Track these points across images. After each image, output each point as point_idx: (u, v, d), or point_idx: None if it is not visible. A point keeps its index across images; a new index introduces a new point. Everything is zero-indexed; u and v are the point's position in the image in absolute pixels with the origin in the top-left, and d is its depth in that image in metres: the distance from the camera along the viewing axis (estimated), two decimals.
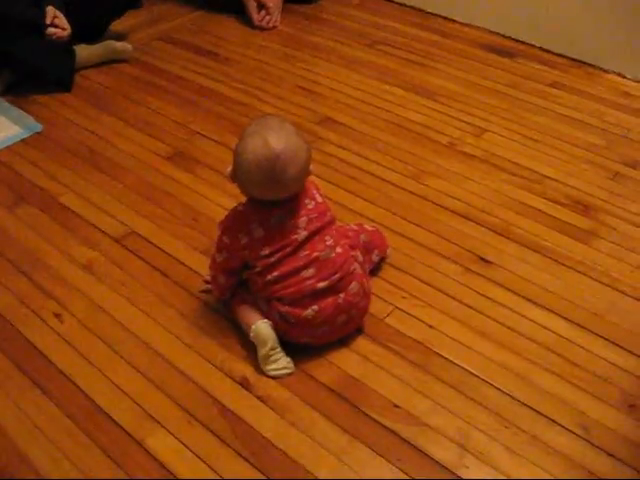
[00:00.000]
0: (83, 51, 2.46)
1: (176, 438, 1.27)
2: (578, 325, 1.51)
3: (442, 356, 1.43)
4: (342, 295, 1.37)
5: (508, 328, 1.49)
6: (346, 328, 1.42)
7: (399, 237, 1.73)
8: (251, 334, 1.38)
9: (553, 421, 1.30)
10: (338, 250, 1.38)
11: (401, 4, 3.07)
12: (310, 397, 1.34)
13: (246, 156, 1.29)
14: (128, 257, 1.67)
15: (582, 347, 1.46)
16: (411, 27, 2.87)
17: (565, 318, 1.52)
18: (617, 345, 1.46)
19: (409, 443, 1.26)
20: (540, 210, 1.84)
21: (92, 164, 2.00)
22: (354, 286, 1.39)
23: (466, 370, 1.40)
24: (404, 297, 1.56)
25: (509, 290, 1.59)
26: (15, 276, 1.62)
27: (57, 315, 1.51)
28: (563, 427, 1.29)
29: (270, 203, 1.35)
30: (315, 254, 1.34)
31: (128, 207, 1.83)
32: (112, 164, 2.00)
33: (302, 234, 1.34)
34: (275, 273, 1.34)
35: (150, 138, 2.12)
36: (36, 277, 1.61)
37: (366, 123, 2.21)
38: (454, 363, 1.41)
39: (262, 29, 2.84)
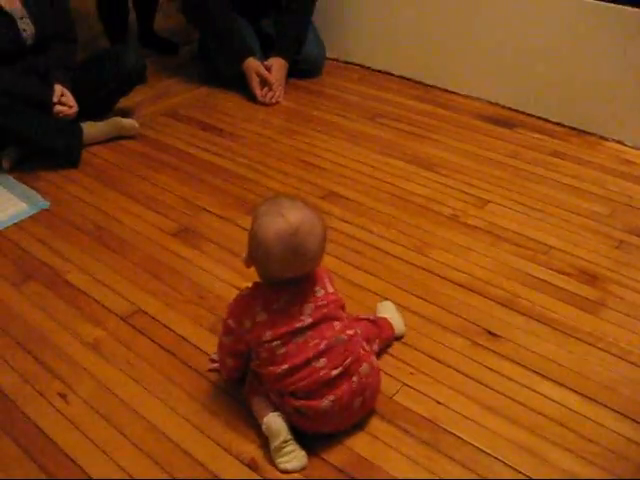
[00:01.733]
0: (90, 128, 2.50)
1: None
2: (589, 398, 1.49)
3: (452, 433, 1.41)
4: (355, 378, 1.34)
5: (518, 403, 1.48)
6: (362, 411, 1.39)
7: (404, 311, 1.72)
8: (263, 427, 1.35)
9: None
10: (348, 332, 1.36)
11: (401, 77, 3.14)
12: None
13: (265, 233, 1.27)
14: (135, 336, 1.66)
15: (594, 421, 1.44)
16: (411, 99, 2.94)
17: (576, 391, 1.51)
18: (630, 418, 1.45)
19: None
20: (546, 281, 1.84)
21: (98, 241, 2.01)
22: (365, 367, 1.36)
23: (477, 448, 1.38)
24: (412, 373, 1.55)
25: (517, 364, 1.58)
26: (20, 355, 1.61)
27: (62, 395, 1.50)
28: None
29: (278, 286, 1.33)
30: (325, 343, 1.31)
31: (134, 284, 1.83)
32: (118, 241, 2.01)
33: (307, 321, 1.32)
34: (285, 366, 1.31)
35: (156, 214, 2.14)
36: (41, 356, 1.60)
37: (369, 196, 2.24)
38: (464, 440, 1.39)
39: (265, 104, 2.89)
